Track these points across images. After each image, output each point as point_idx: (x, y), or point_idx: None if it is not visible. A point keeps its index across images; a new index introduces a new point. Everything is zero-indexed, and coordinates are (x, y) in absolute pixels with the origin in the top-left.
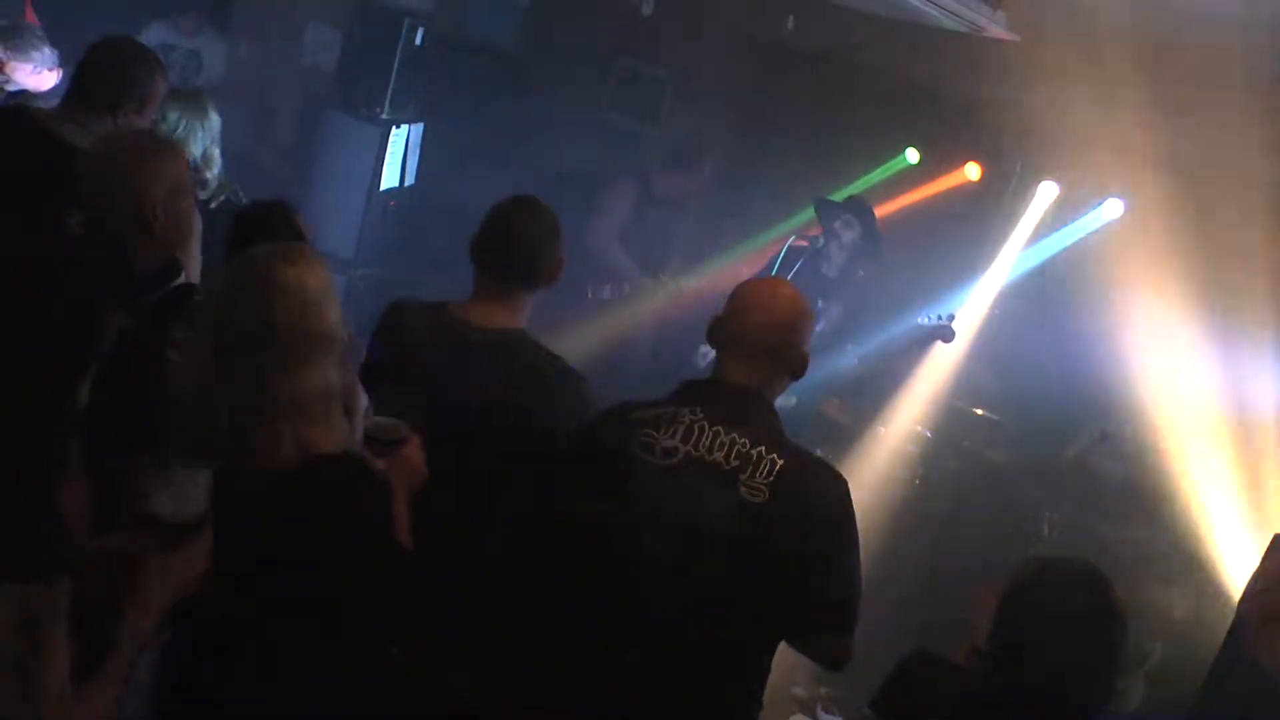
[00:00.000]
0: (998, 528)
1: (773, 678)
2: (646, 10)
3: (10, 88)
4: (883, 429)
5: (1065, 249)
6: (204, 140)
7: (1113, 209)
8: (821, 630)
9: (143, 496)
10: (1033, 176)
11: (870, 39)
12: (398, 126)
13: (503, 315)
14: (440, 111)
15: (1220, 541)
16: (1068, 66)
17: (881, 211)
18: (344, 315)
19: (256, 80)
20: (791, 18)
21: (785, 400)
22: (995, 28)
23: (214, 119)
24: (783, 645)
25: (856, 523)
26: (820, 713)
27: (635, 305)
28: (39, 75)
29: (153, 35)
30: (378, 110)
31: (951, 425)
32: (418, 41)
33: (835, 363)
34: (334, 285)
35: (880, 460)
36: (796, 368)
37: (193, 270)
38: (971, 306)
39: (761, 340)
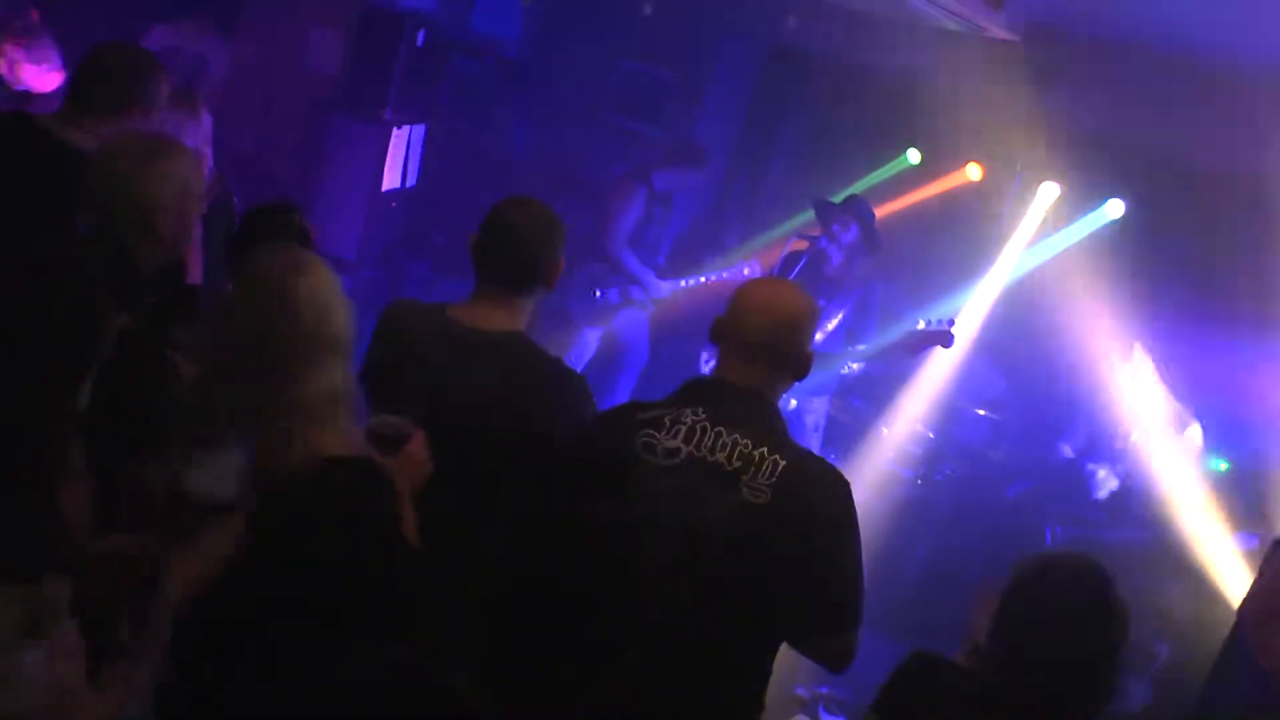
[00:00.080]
0: (1000, 528)
1: (774, 678)
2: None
3: (17, 87)
4: (885, 429)
5: (1067, 249)
6: (195, 140)
7: (1114, 209)
8: (823, 631)
9: (175, 477)
10: (1034, 177)
11: (871, 39)
12: (400, 128)
13: (502, 317)
14: (442, 113)
15: (1220, 542)
16: (1069, 66)
17: (883, 212)
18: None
19: (260, 83)
20: (793, 18)
21: (784, 402)
22: (996, 28)
23: (205, 119)
24: (784, 646)
25: (859, 523)
26: (822, 713)
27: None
28: (46, 76)
29: (156, 38)
30: (380, 112)
31: (954, 426)
32: (420, 43)
33: (836, 365)
34: (341, 288)
35: (883, 461)
36: (799, 368)
37: (194, 270)
38: (973, 307)
39: (764, 340)
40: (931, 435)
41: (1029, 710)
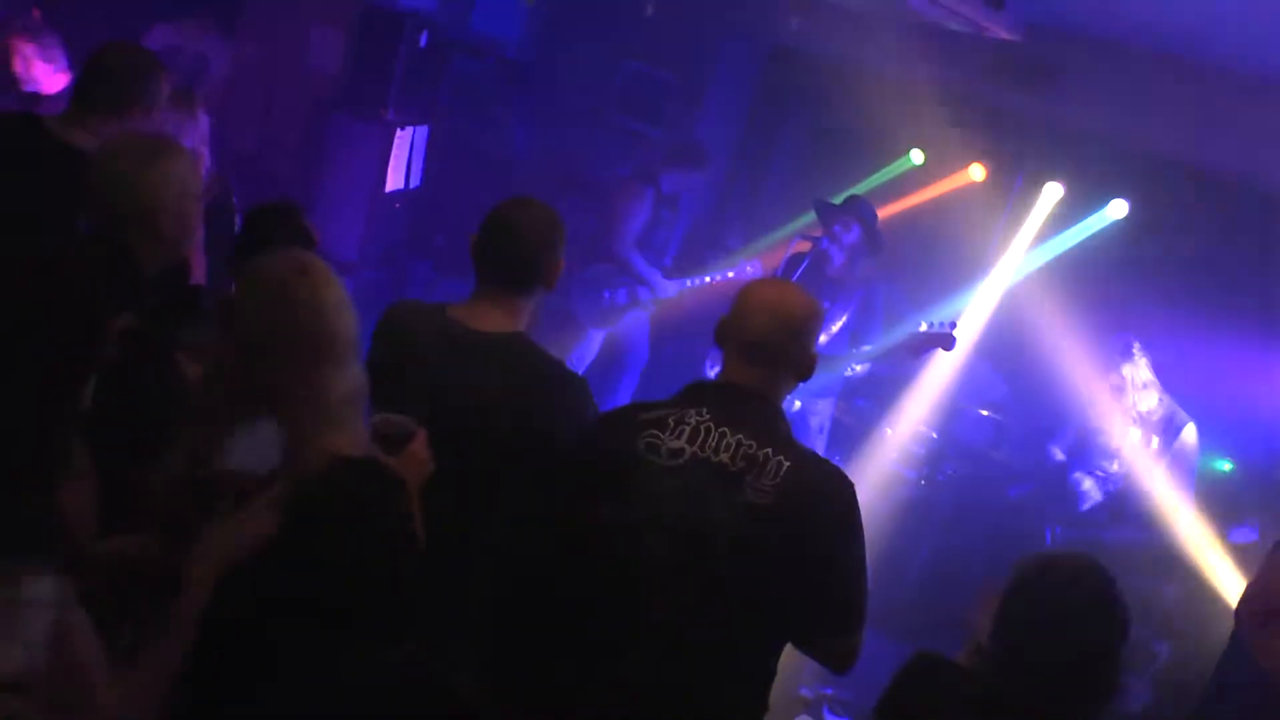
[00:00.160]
0: (1003, 528)
1: (778, 679)
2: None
3: (27, 86)
4: (889, 430)
5: (1070, 249)
6: (192, 140)
7: (1117, 209)
8: (827, 632)
9: (217, 450)
10: (1037, 177)
11: (874, 40)
12: (402, 128)
13: (501, 318)
14: (444, 113)
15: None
16: (1071, 66)
17: (886, 212)
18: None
19: (261, 82)
20: (794, 19)
21: (788, 404)
22: (997, 28)
23: (202, 119)
24: (788, 646)
25: (863, 524)
26: (826, 714)
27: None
28: (55, 76)
29: (157, 38)
30: (382, 112)
31: (957, 426)
32: (421, 43)
33: (839, 367)
34: (344, 291)
35: (886, 461)
36: (803, 370)
37: (197, 271)
38: (976, 307)
39: (767, 342)
40: (934, 435)
41: (1031, 710)
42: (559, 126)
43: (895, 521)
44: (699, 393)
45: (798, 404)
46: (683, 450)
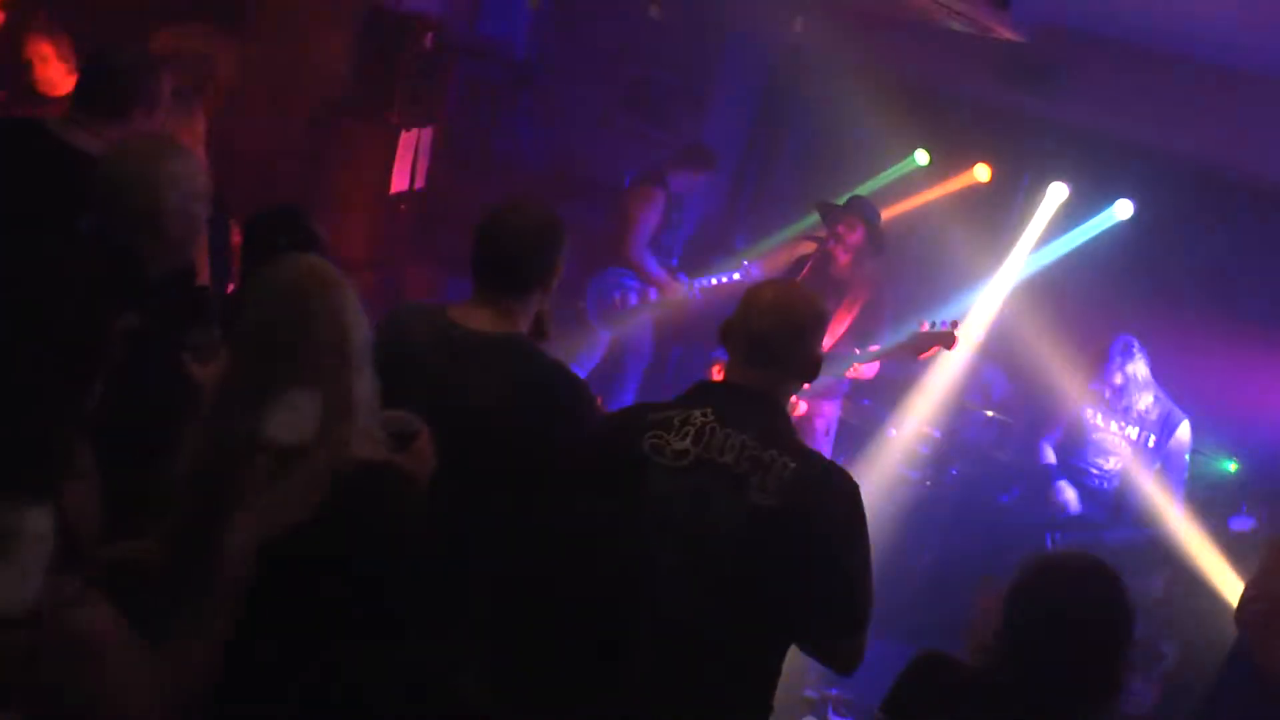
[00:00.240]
0: (1007, 528)
1: (783, 680)
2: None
3: (43, 87)
4: (893, 430)
5: (1075, 249)
6: (189, 141)
7: (1123, 209)
8: (831, 633)
9: (259, 419)
10: (1042, 177)
11: (880, 40)
12: (407, 130)
13: (498, 319)
14: (449, 115)
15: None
16: (1076, 66)
17: (891, 213)
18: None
19: (267, 85)
20: (800, 19)
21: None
22: (1003, 28)
23: (200, 120)
24: (793, 647)
25: (867, 525)
26: (831, 715)
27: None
28: (69, 77)
29: (163, 40)
30: (388, 114)
31: (961, 427)
32: (427, 46)
33: (841, 368)
34: (356, 296)
35: (891, 462)
36: (808, 371)
37: (203, 272)
38: (981, 308)
39: (772, 343)
40: (938, 436)
41: (1036, 708)
42: (564, 129)
43: (900, 522)
44: (704, 394)
45: (803, 406)
46: (688, 451)
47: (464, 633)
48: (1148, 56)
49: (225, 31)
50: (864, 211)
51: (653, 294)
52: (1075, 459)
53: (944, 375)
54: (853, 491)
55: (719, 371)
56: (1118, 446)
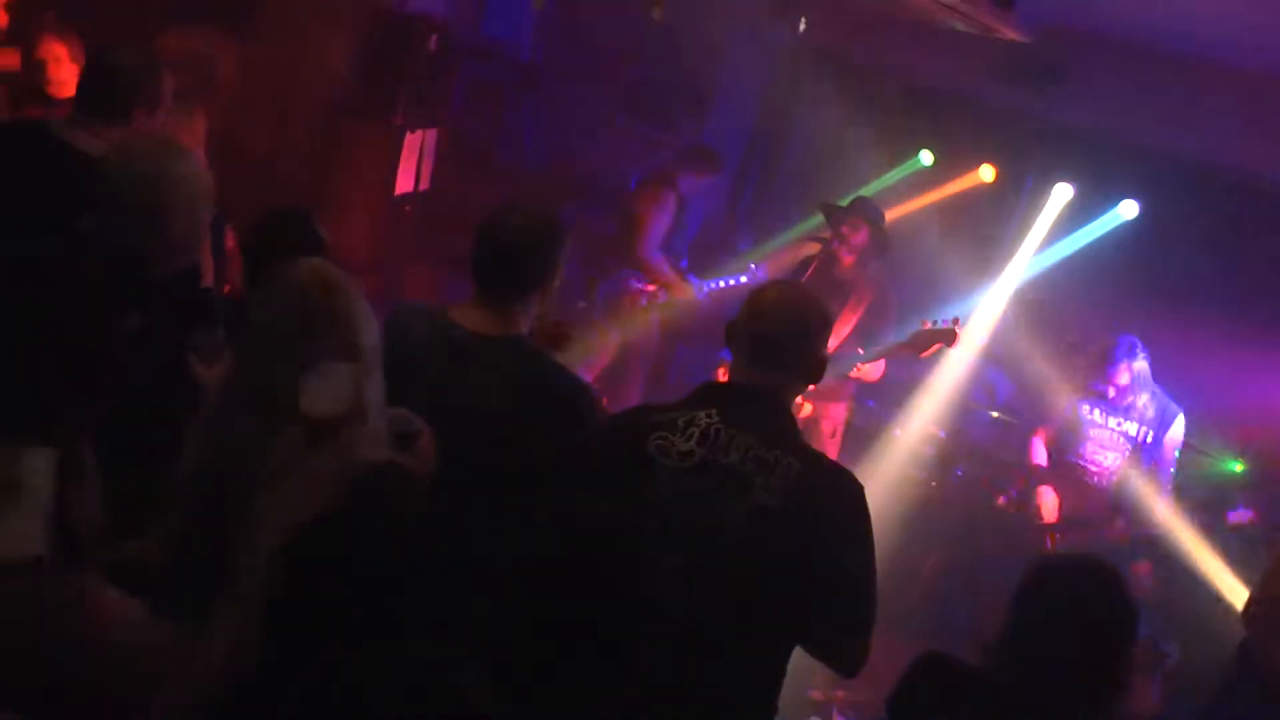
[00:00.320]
0: (1012, 530)
1: (788, 681)
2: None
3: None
4: (898, 431)
5: (1080, 249)
6: (188, 141)
7: (1128, 210)
8: (836, 634)
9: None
10: (1047, 178)
11: (883, 41)
12: (412, 131)
13: (498, 321)
14: (454, 117)
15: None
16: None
17: (896, 213)
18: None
19: (272, 86)
20: (803, 20)
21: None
22: (1007, 29)
23: (199, 121)
24: (799, 648)
25: (872, 526)
26: (836, 716)
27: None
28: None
29: (169, 42)
30: (392, 116)
31: (966, 427)
32: (432, 47)
33: (844, 368)
34: (365, 301)
35: (895, 462)
36: (813, 372)
37: (208, 274)
38: (986, 308)
39: (777, 344)
40: (943, 437)
41: (1039, 709)
42: (568, 130)
43: (905, 523)
44: (709, 395)
45: (809, 407)
46: (693, 452)
47: (464, 633)
48: (1151, 56)
49: (228, 33)
50: (867, 212)
51: (662, 295)
52: (1073, 455)
53: (949, 376)
54: (857, 492)
55: (725, 373)
56: (1116, 443)
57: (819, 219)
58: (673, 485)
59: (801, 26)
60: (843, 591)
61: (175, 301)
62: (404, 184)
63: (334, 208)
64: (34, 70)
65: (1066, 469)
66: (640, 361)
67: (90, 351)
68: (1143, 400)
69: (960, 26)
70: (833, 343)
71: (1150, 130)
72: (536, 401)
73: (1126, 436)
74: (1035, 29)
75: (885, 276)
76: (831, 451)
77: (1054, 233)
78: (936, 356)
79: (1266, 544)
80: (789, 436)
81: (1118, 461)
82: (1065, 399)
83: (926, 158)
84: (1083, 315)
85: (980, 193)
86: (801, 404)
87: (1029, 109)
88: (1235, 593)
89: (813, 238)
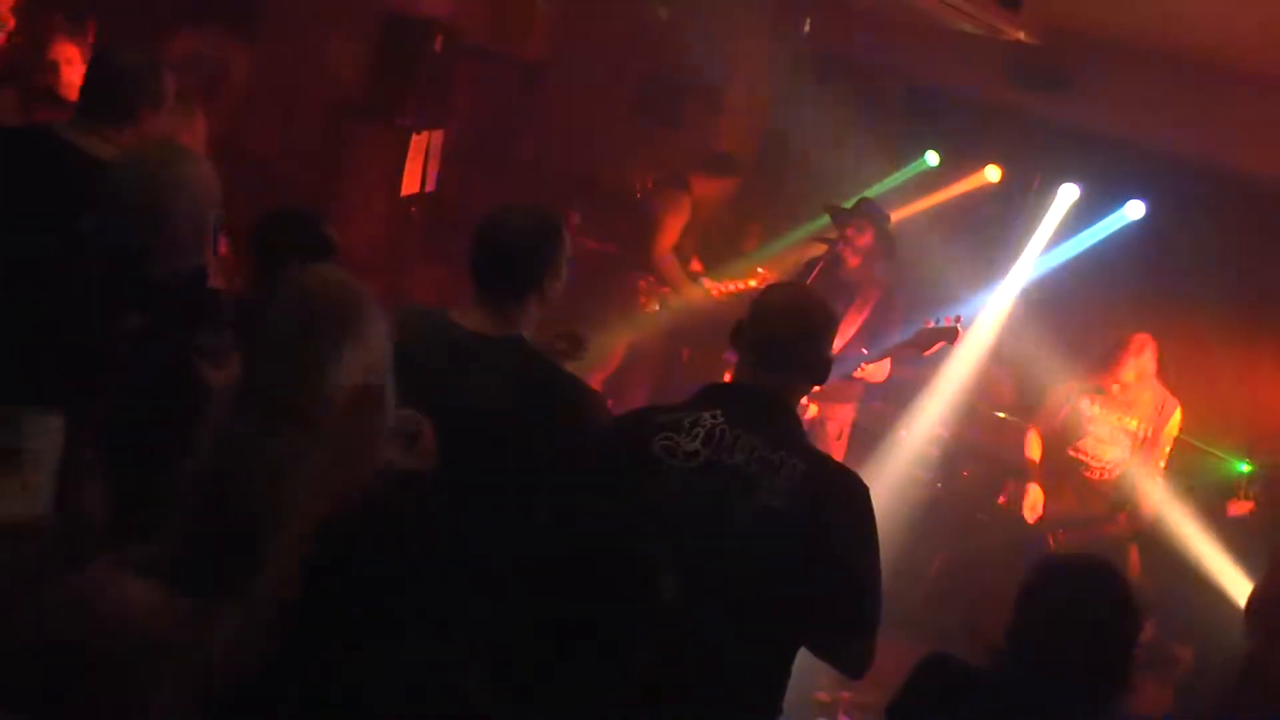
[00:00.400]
0: (1018, 531)
1: (794, 682)
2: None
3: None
4: (904, 432)
5: (1086, 250)
6: (188, 142)
7: (1134, 210)
8: (842, 636)
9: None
10: (1053, 178)
11: (889, 41)
12: (418, 132)
13: (498, 322)
14: (461, 117)
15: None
16: (1087, 67)
17: (902, 214)
18: None
19: (280, 88)
20: (808, 20)
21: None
22: (1013, 30)
23: (200, 122)
24: (804, 649)
25: (876, 527)
26: (842, 717)
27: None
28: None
29: (179, 44)
30: (399, 117)
31: (972, 428)
32: (438, 47)
33: (848, 368)
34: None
35: (901, 463)
36: (818, 373)
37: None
38: (992, 309)
39: (782, 345)
40: (949, 437)
41: (1042, 709)
42: (575, 130)
43: (911, 524)
44: (714, 396)
45: (815, 409)
46: (698, 453)
47: (464, 633)
48: (1157, 57)
49: (236, 34)
50: (873, 214)
51: (672, 298)
52: (1075, 451)
53: (955, 377)
54: (862, 493)
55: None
56: (1117, 439)
57: (825, 220)
58: (678, 486)
59: (805, 27)
60: (848, 593)
61: (179, 302)
62: (410, 185)
63: (339, 209)
64: (46, 72)
65: (1067, 465)
66: (647, 363)
67: (90, 351)
68: (1145, 397)
69: (967, 27)
70: (838, 344)
71: (1156, 131)
72: (536, 401)
73: (1126, 432)
74: (1041, 30)
75: (891, 277)
76: (838, 454)
77: (1060, 233)
78: (941, 356)
79: (1265, 539)
80: (794, 437)
81: (1120, 457)
82: (1067, 395)
83: (932, 158)
84: (1088, 315)
85: (986, 193)
86: (807, 405)
87: (1035, 110)
88: (1238, 587)
89: (818, 239)
